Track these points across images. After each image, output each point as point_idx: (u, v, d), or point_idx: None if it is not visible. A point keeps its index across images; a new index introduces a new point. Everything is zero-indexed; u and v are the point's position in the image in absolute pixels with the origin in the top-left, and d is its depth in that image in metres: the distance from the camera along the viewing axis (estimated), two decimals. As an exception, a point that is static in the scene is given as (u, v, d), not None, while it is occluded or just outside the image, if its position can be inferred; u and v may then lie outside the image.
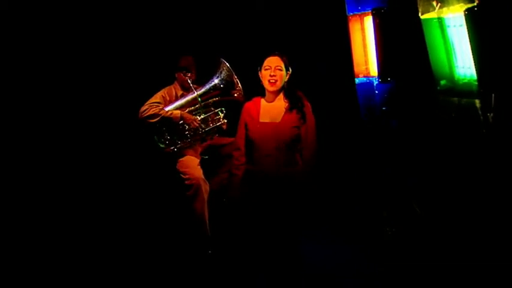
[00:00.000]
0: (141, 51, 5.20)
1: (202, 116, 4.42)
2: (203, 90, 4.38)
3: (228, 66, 4.29)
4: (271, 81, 3.38)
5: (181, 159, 4.45)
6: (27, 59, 4.96)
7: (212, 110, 4.47)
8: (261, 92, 3.49)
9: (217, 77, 4.34)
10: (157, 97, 4.42)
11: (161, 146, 4.41)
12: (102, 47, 5.18)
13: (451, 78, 3.61)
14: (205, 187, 4.38)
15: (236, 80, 4.29)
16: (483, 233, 3.42)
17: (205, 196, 4.37)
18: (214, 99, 4.41)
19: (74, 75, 5.15)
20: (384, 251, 4.13)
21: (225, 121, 4.45)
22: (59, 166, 5.11)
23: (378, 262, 3.99)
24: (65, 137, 5.13)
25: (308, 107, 3.42)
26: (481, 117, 3.32)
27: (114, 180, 5.16)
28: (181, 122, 4.36)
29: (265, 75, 3.39)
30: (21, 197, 4.87)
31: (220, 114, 4.46)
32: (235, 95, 4.31)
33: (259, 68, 3.43)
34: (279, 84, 3.39)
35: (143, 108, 4.33)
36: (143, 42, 5.20)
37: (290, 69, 3.42)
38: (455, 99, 3.59)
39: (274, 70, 3.37)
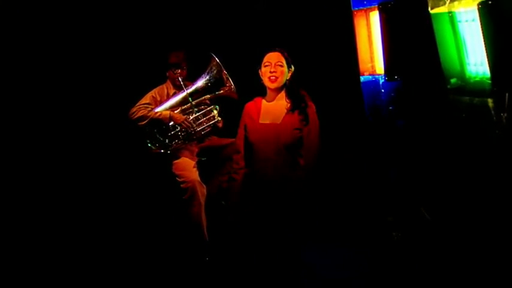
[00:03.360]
0: (137, 49, 5.11)
1: (194, 115, 4.31)
2: (193, 88, 4.29)
3: (217, 62, 4.20)
4: (271, 78, 3.25)
5: (176, 161, 4.36)
6: (17, 58, 4.89)
7: (205, 108, 4.37)
8: (262, 92, 3.36)
9: (208, 73, 4.26)
10: (147, 98, 4.35)
11: (153, 148, 4.32)
12: (95, 45, 5.09)
13: (462, 76, 3.50)
14: (202, 190, 4.30)
15: (226, 75, 4.20)
16: (497, 239, 3.32)
17: (202, 200, 4.28)
18: (206, 96, 4.32)
19: (65, 75, 5.06)
20: (390, 256, 4.07)
21: (220, 119, 4.34)
22: (52, 168, 5.02)
23: (382, 267, 3.95)
24: (57, 138, 5.04)
25: (312, 107, 3.29)
26: (494, 118, 3.23)
27: (108, 183, 5.07)
28: (172, 122, 4.27)
29: (265, 72, 3.27)
30: (18, 199, 4.82)
31: (214, 111, 4.35)
32: (225, 91, 4.23)
33: (259, 66, 3.30)
34: (280, 80, 3.26)
35: (132, 110, 4.28)
36: (138, 40, 5.12)
37: (293, 67, 3.30)
38: (467, 98, 3.48)
39: (274, 66, 3.25)
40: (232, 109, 4.12)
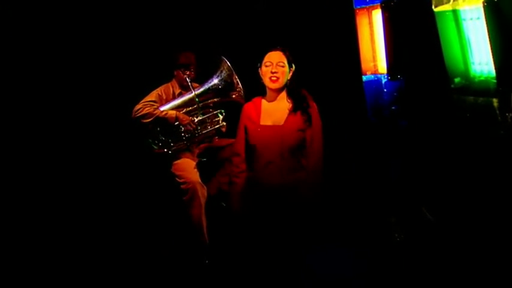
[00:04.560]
0: (140, 47, 5.08)
1: (199, 118, 4.29)
2: (201, 90, 4.26)
3: (228, 66, 4.17)
4: (272, 78, 3.18)
5: (176, 161, 4.32)
6: (22, 56, 4.87)
7: (211, 112, 4.35)
8: (261, 91, 3.30)
9: (217, 76, 4.22)
10: (152, 95, 4.31)
11: (155, 147, 4.29)
12: (98, 42, 5.05)
13: (466, 75, 3.46)
14: (203, 191, 4.25)
15: (236, 80, 4.16)
16: (500, 240, 3.29)
17: (203, 201, 4.24)
18: (213, 100, 4.29)
19: (67, 72, 5.02)
20: (392, 258, 4.04)
21: (224, 124, 4.33)
22: (53, 168, 4.98)
23: (384, 268, 3.91)
24: (58, 137, 5.00)
25: (314, 108, 3.22)
26: (499, 118, 3.19)
27: (107, 183, 5.03)
28: (177, 123, 4.24)
29: (265, 71, 3.20)
30: (18, 198, 4.78)
31: (220, 116, 4.34)
32: (235, 96, 4.20)
33: (259, 65, 3.24)
34: (281, 81, 3.20)
35: (137, 107, 4.23)
36: (142, 37, 5.09)
37: (294, 66, 3.24)
38: (471, 98, 3.45)
39: (275, 66, 3.18)
40: (232, 109, 4.10)
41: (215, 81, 4.22)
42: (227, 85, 4.19)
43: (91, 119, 5.04)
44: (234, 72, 4.15)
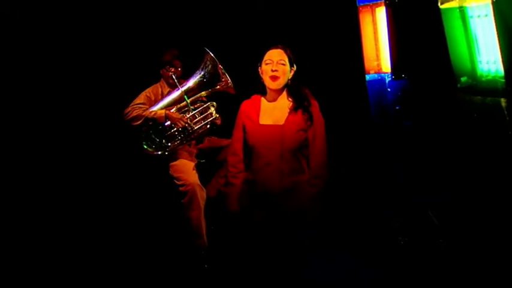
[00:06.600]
0: (132, 49, 5.05)
1: (191, 113, 4.27)
2: (188, 85, 4.26)
3: (211, 56, 4.18)
4: (272, 76, 3.09)
5: (174, 163, 4.29)
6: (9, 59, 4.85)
7: (201, 106, 4.34)
8: (261, 90, 3.22)
9: (202, 69, 4.24)
10: (141, 98, 4.32)
11: (149, 149, 4.26)
12: (88, 45, 5.02)
13: (473, 74, 3.48)
14: (202, 194, 4.21)
15: (221, 70, 4.17)
16: (508, 243, 3.30)
17: (202, 203, 4.20)
18: (202, 93, 4.29)
19: (58, 76, 5.00)
20: (395, 262, 3.99)
21: (218, 116, 4.29)
22: (49, 173, 4.95)
23: (387, 273, 3.85)
24: (52, 140, 4.97)
25: (316, 106, 3.13)
26: (507, 118, 3.21)
27: (103, 186, 4.99)
28: (168, 122, 4.23)
29: (266, 70, 3.10)
30: (14, 200, 4.75)
31: (212, 108, 4.30)
32: (222, 86, 4.21)
33: (259, 63, 3.15)
34: (282, 81, 3.11)
35: (126, 110, 4.26)
36: (132, 38, 5.07)
37: (295, 66, 3.16)
38: (478, 97, 3.47)
39: (276, 64, 3.09)
40: (231, 106, 4.03)
41: (200, 74, 4.23)
42: (212, 76, 4.19)
43: (86, 121, 5.02)
44: (218, 63, 4.15)
